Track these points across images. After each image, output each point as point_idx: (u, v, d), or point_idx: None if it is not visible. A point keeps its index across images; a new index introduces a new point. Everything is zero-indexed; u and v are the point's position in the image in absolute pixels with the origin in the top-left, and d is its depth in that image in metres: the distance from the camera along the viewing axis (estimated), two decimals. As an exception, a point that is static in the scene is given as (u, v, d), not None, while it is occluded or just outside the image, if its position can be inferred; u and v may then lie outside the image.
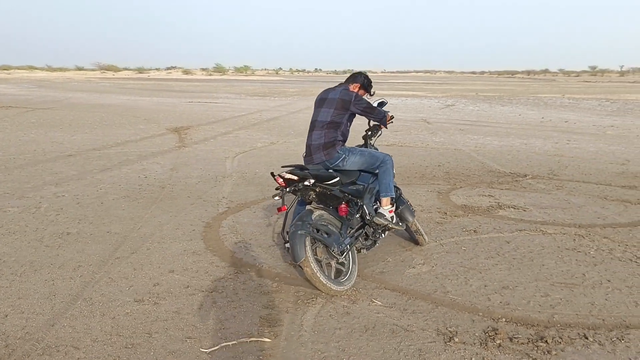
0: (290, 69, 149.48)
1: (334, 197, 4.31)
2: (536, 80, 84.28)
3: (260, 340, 3.30)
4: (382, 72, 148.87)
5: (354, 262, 4.27)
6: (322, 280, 3.87)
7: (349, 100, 4.57)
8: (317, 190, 4.23)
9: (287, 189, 4.10)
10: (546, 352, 3.19)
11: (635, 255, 4.89)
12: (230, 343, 3.27)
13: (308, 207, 4.32)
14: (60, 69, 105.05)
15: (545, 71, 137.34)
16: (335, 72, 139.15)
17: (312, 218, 4.09)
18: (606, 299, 3.97)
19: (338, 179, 4.30)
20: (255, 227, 5.70)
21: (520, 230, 5.65)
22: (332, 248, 4.04)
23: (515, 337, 3.37)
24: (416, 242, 5.17)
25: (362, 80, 4.85)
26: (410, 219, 4.84)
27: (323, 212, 4.29)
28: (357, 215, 4.44)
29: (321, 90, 4.99)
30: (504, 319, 3.64)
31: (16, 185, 7.36)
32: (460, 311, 3.76)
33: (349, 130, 4.78)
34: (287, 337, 3.35)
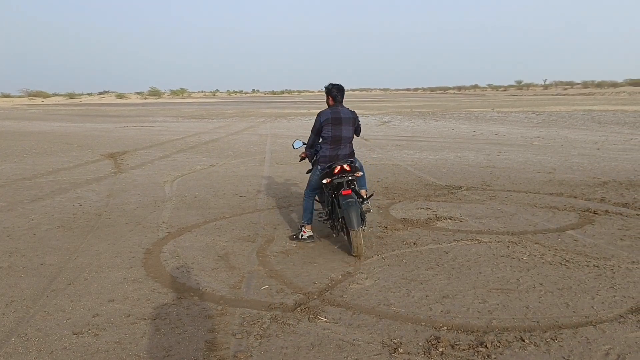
0: (228, 90, 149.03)
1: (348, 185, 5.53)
2: (467, 96, 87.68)
3: (207, 365, 3.26)
4: (318, 92, 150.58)
5: None
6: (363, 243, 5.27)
7: (356, 118, 5.94)
8: (350, 179, 5.54)
9: (336, 178, 5.51)
10: (486, 357, 3.31)
11: (565, 259, 5.16)
12: (175, 370, 3.21)
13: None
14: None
15: (475, 86, 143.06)
16: (273, 93, 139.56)
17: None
18: (539, 302, 4.17)
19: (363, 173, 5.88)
20: (197, 250, 5.63)
21: (457, 241, 5.85)
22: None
23: (456, 344, 3.48)
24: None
25: (331, 91, 5.87)
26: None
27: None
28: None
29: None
30: (445, 328, 3.75)
31: (-61, 220, 6.96)
32: (403, 322, 3.85)
33: None
34: (233, 360, 3.33)
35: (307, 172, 6.24)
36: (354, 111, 5.95)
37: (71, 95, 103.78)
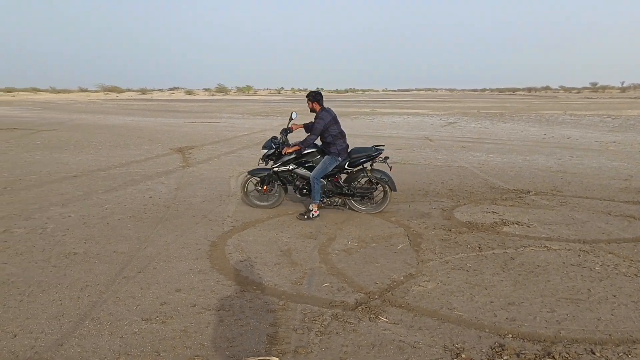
0: (292, 88, 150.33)
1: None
2: (537, 97, 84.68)
3: (268, 359, 3.31)
4: (383, 91, 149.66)
5: None
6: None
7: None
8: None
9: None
10: (553, 368, 3.19)
11: (641, 270, 4.90)
12: (238, 361, 3.28)
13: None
14: (64, 91, 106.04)
15: (547, 88, 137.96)
16: (337, 91, 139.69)
17: None
18: (612, 314, 3.98)
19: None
20: (260, 245, 5.72)
21: (525, 247, 5.67)
22: None
23: (522, 353, 3.38)
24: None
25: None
26: None
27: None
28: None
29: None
30: (510, 335, 3.65)
31: (23, 206, 7.41)
32: (466, 327, 3.77)
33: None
34: (294, 356, 3.37)
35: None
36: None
37: (143, 91, 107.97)
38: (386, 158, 7.35)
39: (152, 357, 3.33)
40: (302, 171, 7.21)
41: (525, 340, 3.59)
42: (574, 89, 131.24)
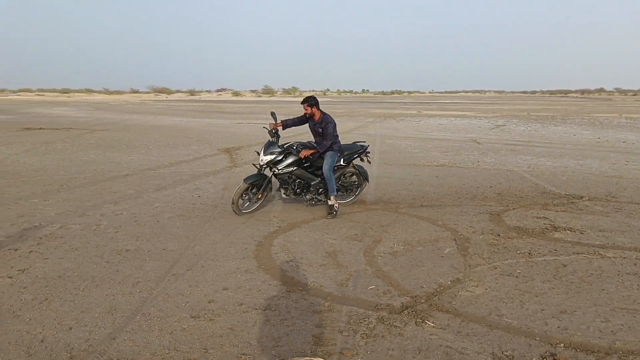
0: (338, 89, 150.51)
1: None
2: (591, 100, 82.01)
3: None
4: (429, 93, 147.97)
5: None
6: None
7: None
8: None
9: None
10: (608, 380, 3.08)
11: (703, 282, 4.67)
12: (284, 361, 3.31)
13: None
14: (117, 92, 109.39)
15: (601, 90, 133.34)
16: (383, 93, 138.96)
17: None
18: (672, 327, 3.80)
19: None
20: (306, 246, 5.75)
21: (577, 254, 5.50)
22: None
23: (574, 364, 3.27)
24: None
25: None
26: None
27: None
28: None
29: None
30: (562, 345, 3.54)
31: (78, 203, 7.69)
32: (516, 335, 3.68)
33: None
34: (340, 357, 3.37)
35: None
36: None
37: (192, 92, 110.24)
38: (368, 153, 8.11)
39: (201, 353, 3.39)
40: (303, 172, 7.36)
41: (577, 350, 3.48)
42: (630, 90, 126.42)
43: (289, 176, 7.32)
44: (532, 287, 4.57)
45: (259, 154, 7.32)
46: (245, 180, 7.11)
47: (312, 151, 7.27)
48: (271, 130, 7.34)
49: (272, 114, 7.46)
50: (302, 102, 7.24)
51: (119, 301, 4.20)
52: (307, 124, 7.57)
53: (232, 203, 7.01)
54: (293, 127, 7.70)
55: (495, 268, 5.08)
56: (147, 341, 3.54)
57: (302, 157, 7.22)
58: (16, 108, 41.19)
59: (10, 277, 4.69)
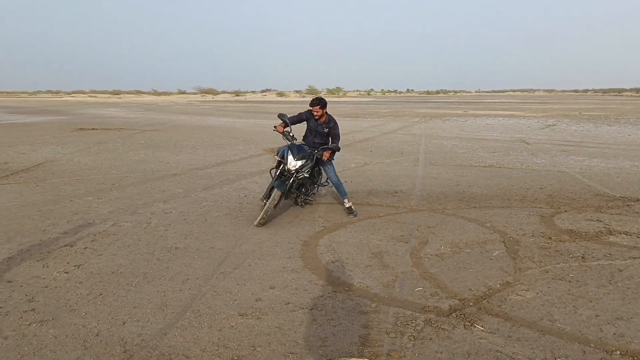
0: (382, 89, 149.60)
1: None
2: (646, 98, 78.77)
3: (361, 360, 3.31)
4: (476, 92, 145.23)
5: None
6: None
7: None
8: None
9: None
10: (669, 391, 2.95)
11: None
12: (331, 361, 3.31)
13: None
14: (165, 93, 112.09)
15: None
16: (428, 93, 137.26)
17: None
18: None
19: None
20: (351, 246, 5.74)
21: (634, 258, 5.29)
22: None
23: (632, 373, 3.15)
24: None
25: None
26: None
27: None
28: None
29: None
30: (618, 352, 3.42)
31: (129, 201, 7.91)
32: (569, 341, 3.57)
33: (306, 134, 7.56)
34: (387, 359, 3.34)
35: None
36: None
37: (237, 93, 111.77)
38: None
39: (249, 351, 3.43)
40: (307, 174, 7.05)
41: (635, 358, 3.35)
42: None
43: (304, 179, 7.11)
44: (585, 292, 4.43)
45: (281, 159, 7.00)
46: (278, 188, 6.68)
47: (330, 152, 7.19)
48: (286, 133, 7.13)
49: (282, 115, 7.12)
50: (315, 105, 7.10)
51: (170, 297, 4.30)
52: (302, 123, 7.46)
53: (267, 213, 6.56)
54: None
55: (547, 272, 4.94)
56: (197, 337, 3.61)
57: (325, 158, 7.13)
58: (70, 109, 42.75)
59: (67, 272, 4.86)
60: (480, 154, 13.90)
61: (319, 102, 7.13)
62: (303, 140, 7.51)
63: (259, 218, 6.56)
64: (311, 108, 7.15)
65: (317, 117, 7.21)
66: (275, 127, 7.20)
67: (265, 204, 6.75)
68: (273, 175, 7.33)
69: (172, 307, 4.11)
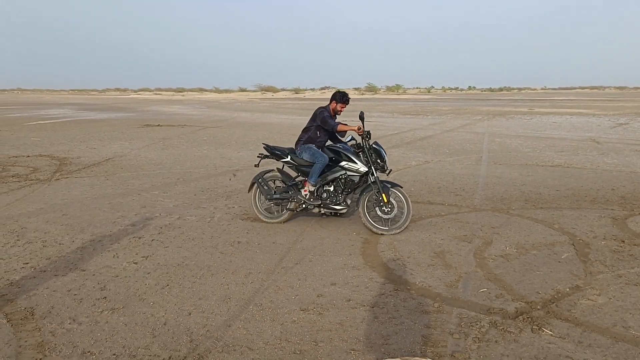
0: (443, 87, 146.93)
1: (296, 169, 6.72)
2: None
3: (423, 360, 3.26)
4: (542, 89, 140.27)
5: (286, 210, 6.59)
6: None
7: (316, 114, 6.58)
8: (293, 163, 6.67)
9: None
10: None
11: None
12: (394, 359, 3.28)
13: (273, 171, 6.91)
14: (226, 91, 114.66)
15: None
16: (491, 90, 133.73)
17: (265, 176, 6.83)
18: None
19: (287, 159, 6.71)
20: (412, 245, 5.67)
21: None
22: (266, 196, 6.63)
23: None
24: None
25: (335, 96, 6.65)
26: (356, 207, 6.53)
27: (277, 174, 6.84)
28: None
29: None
30: (701, 364, 3.21)
31: (193, 196, 8.13)
32: (645, 350, 3.39)
33: (318, 135, 6.60)
34: (451, 360, 3.28)
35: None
36: (321, 108, 6.66)
37: (296, 90, 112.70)
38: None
39: (311, 345, 3.45)
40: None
41: None
42: None
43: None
44: (663, 300, 4.19)
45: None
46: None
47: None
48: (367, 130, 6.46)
49: (361, 115, 6.40)
50: (346, 102, 6.63)
51: (233, 290, 4.38)
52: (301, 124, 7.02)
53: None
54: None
55: (620, 277, 4.71)
56: (260, 330, 3.66)
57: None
58: (137, 106, 44.40)
59: (136, 263, 5.05)
60: (547, 153, 13.42)
61: (347, 98, 6.67)
62: (309, 143, 6.61)
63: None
64: (344, 105, 6.62)
65: (338, 114, 6.76)
66: (359, 127, 6.27)
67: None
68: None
69: (236, 299, 4.19)
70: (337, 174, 6.44)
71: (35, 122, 24.15)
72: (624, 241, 5.75)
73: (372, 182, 6.29)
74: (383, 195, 6.17)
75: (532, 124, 22.98)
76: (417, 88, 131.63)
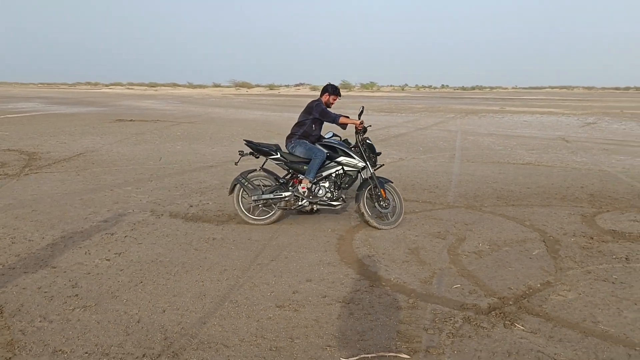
0: (417, 85, 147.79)
1: (287, 166, 6.44)
2: (692, 97, 76.10)
3: (399, 356, 3.30)
4: (512, 88, 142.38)
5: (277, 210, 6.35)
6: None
7: (311, 107, 6.48)
8: (283, 159, 6.37)
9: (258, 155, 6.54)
10: None
11: None
12: (369, 355, 3.30)
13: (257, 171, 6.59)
14: (200, 86, 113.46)
15: None
16: (463, 89, 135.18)
17: (248, 176, 6.47)
18: None
19: (276, 155, 6.37)
20: (387, 241, 5.71)
21: (681, 261, 5.12)
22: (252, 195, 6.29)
23: (681, 379, 3.05)
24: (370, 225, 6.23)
25: (327, 89, 6.59)
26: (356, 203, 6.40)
27: (261, 173, 6.52)
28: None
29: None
30: (666, 357, 3.31)
31: (167, 192, 8.04)
32: (614, 343, 3.48)
33: (313, 128, 6.53)
34: (425, 355, 3.32)
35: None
36: (316, 100, 6.61)
37: (271, 87, 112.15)
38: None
39: (287, 342, 3.45)
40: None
41: (684, 364, 3.24)
42: None
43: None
44: (630, 294, 4.30)
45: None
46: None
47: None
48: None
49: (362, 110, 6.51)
50: (338, 94, 6.64)
51: (208, 287, 4.35)
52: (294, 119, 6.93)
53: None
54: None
55: (589, 272, 4.82)
56: (236, 327, 3.64)
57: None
58: (108, 100, 43.65)
59: (108, 260, 4.97)
60: (518, 151, 13.65)
61: (339, 91, 6.69)
62: (304, 138, 6.51)
63: None
64: (336, 97, 6.63)
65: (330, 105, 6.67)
66: (361, 122, 6.48)
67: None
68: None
69: (211, 296, 4.16)
70: (332, 170, 6.40)
71: (2, 116, 23.55)
72: (592, 238, 5.88)
73: (368, 178, 6.35)
74: (382, 190, 6.26)
75: (503, 123, 23.33)
76: (391, 86, 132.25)
